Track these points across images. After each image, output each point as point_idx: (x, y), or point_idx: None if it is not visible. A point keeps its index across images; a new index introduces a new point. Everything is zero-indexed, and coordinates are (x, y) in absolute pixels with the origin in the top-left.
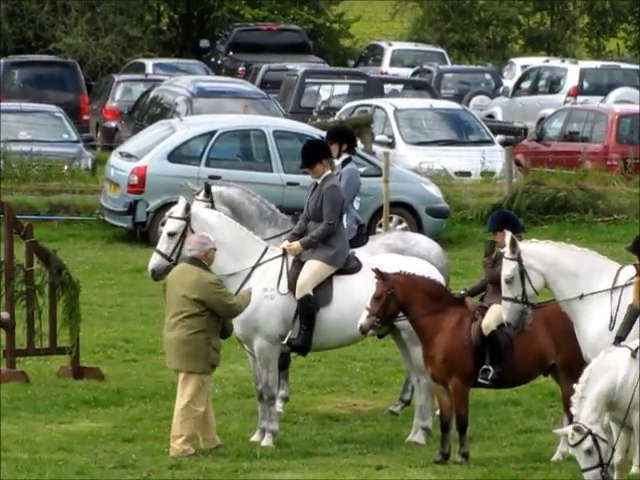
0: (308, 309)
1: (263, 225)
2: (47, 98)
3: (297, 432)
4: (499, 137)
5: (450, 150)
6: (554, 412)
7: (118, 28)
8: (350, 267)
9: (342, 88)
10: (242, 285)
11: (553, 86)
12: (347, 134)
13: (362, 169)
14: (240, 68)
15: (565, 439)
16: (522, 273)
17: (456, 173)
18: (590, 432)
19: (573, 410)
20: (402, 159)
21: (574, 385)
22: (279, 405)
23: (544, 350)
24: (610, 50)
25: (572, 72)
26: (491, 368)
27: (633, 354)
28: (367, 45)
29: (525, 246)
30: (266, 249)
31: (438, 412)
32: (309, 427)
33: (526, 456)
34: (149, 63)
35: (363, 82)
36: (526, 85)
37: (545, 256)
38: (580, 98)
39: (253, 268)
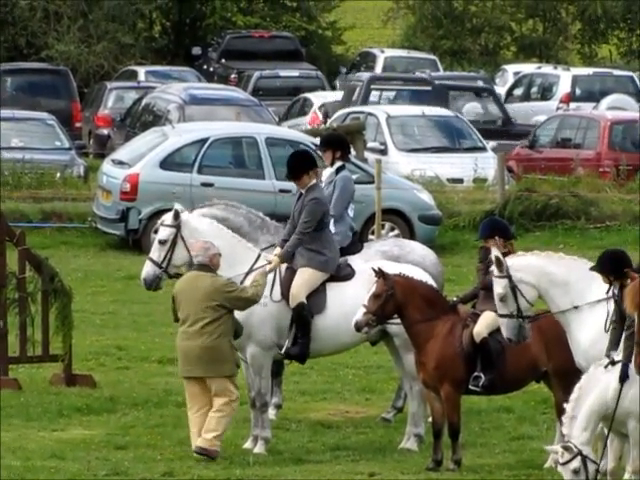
0: (303, 317)
1: (255, 234)
2: (39, 105)
3: (289, 439)
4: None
5: (442, 157)
6: (546, 419)
7: (110, 35)
8: (343, 274)
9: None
10: None
11: (545, 93)
12: (340, 141)
13: (354, 176)
14: (232, 75)
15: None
16: (514, 289)
17: (448, 180)
18: (580, 453)
19: (564, 430)
20: (394, 166)
21: (565, 405)
22: (272, 412)
23: (536, 357)
24: (602, 57)
25: (564, 79)
26: (482, 375)
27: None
28: (359, 52)
29: (512, 261)
30: (259, 256)
31: (430, 419)
32: (301, 434)
33: (519, 463)
34: (141, 70)
35: (428, 88)
36: (518, 92)
37: (534, 268)
38: (572, 105)
39: (246, 274)
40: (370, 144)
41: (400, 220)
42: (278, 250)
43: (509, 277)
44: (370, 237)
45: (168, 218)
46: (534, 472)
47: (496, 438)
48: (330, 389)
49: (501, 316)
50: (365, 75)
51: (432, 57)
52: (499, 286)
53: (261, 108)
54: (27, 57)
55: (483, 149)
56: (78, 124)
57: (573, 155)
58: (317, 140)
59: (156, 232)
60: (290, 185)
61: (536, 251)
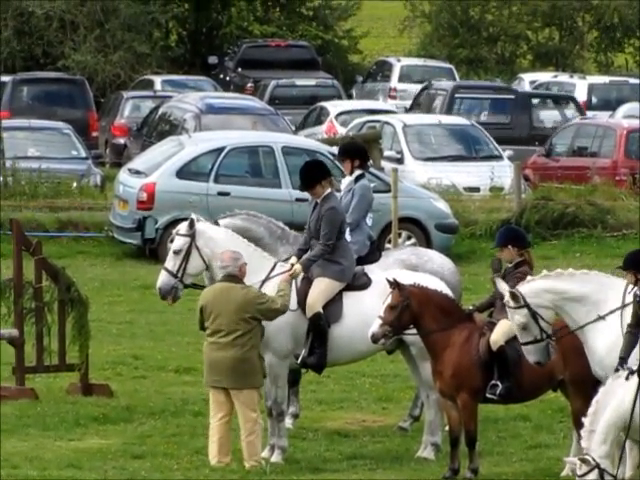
0: (320, 327)
1: (275, 245)
2: (56, 115)
3: (306, 448)
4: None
5: (459, 166)
6: (563, 427)
7: (126, 45)
8: (360, 283)
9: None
10: None
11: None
12: (359, 150)
13: (371, 185)
14: (248, 84)
15: (576, 454)
16: (534, 315)
17: (465, 189)
18: (598, 466)
19: (583, 443)
20: (411, 175)
21: (583, 419)
22: (289, 422)
23: (553, 365)
24: (618, 65)
25: (580, 87)
26: (499, 383)
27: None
28: (376, 61)
29: (525, 289)
30: (275, 264)
31: (447, 428)
32: (318, 443)
33: (536, 471)
34: (158, 80)
35: (511, 97)
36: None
37: (547, 290)
38: (589, 113)
39: (262, 283)
40: (387, 153)
41: (417, 229)
42: (294, 259)
43: (527, 305)
44: (387, 246)
45: (183, 227)
46: None
47: (513, 447)
48: (347, 398)
49: (525, 344)
50: (448, 84)
51: (448, 66)
52: (520, 316)
53: (277, 117)
54: (43, 67)
55: (499, 157)
56: (95, 133)
57: (589, 163)
58: (333, 149)
59: (172, 241)
60: (306, 194)
61: (544, 271)
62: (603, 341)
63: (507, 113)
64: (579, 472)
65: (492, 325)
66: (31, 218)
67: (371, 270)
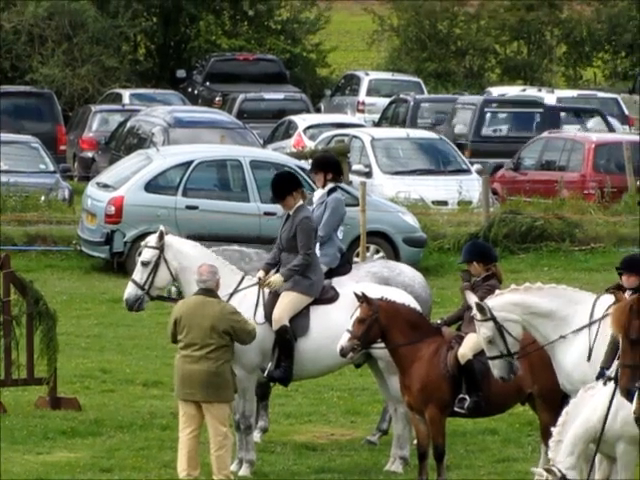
0: (286, 341)
1: (239, 266)
2: (24, 128)
3: (274, 462)
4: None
5: (427, 179)
6: (532, 441)
7: (95, 58)
8: (327, 297)
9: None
10: None
11: None
12: (332, 163)
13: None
14: (217, 98)
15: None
16: (500, 329)
17: (433, 202)
18: (564, 477)
19: (550, 454)
20: (379, 188)
21: (552, 428)
22: (257, 435)
23: (521, 379)
24: (587, 79)
25: (549, 101)
26: (467, 397)
27: (606, 381)
28: (344, 75)
29: (492, 302)
30: (242, 278)
31: (415, 441)
32: (286, 457)
33: None
34: (126, 93)
35: (540, 110)
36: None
37: (514, 304)
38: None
39: (230, 296)
40: (355, 166)
41: (385, 242)
42: (261, 273)
43: (494, 319)
44: (355, 259)
45: (152, 240)
46: None
47: (481, 460)
48: (315, 411)
49: (491, 358)
50: (478, 98)
51: (416, 79)
52: (485, 329)
53: (246, 131)
54: (12, 80)
55: (467, 171)
56: (63, 147)
57: (558, 177)
58: (302, 163)
59: (140, 254)
60: (275, 208)
61: (513, 285)
62: (571, 356)
63: (535, 127)
64: None
65: (460, 339)
66: None
67: (342, 282)
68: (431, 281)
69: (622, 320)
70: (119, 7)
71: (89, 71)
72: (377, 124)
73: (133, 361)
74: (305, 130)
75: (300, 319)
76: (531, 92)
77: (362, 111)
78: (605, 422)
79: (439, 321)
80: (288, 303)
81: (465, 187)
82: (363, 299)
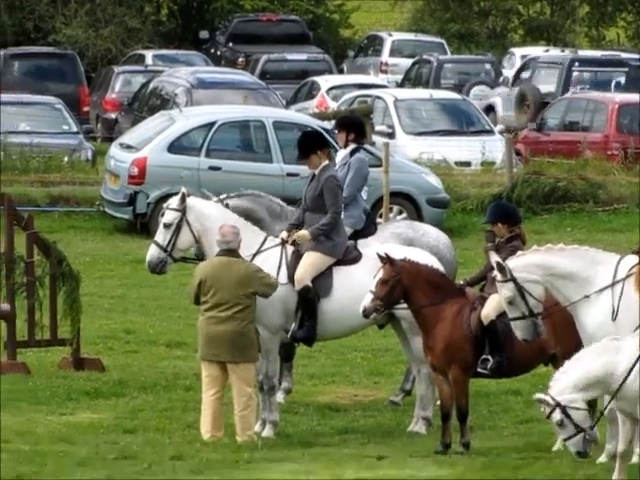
0: (309, 300)
1: (272, 226)
2: (47, 90)
3: (298, 423)
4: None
5: (450, 140)
6: None
7: (117, 19)
8: (350, 257)
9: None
10: None
11: None
12: (355, 123)
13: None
14: (240, 59)
15: None
16: (520, 290)
17: (456, 163)
18: (558, 404)
19: (551, 382)
20: (402, 149)
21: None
22: (280, 396)
23: (544, 340)
24: (610, 39)
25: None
26: (490, 358)
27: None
28: (367, 35)
29: (513, 263)
30: (265, 239)
31: (439, 402)
32: (310, 418)
33: (527, 446)
34: (149, 54)
35: (625, 70)
36: (526, 75)
37: (535, 265)
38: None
39: (253, 256)
40: (378, 127)
41: (408, 203)
42: (285, 234)
43: (514, 280)
44: (378, 220)
45: (174, 202)
46: (542, 455)
47: (504, 421)
48: (338, 372)
49: (513, 320)
50: (562, 56)
51: (440, 40)
52: (506, 290)
53: (269, 92)
54: (35, 41)
55: (491, 132)
56: (86, 108)
57: (581, 138)
58: (325, 123)
59: (162, 216)
60: (298, 169)
61: (535, 246)
62: (594, 316)
63: (620, 86)
64: (545, 414)
65: (483, 299)
66: (22, 193)
67: (367, 243)
68: (454, 242)
69: None
70: None
71: (112, 32)
72: (400, 85)
73: (156, 322)
74: (328, 91)
75: (323, 280)
76: (554, 53)
77: (385, 72)
78: (627, 377)
79: (462, 282)
80: (310, 263)
81: (488, 148)
82: (386, 260)
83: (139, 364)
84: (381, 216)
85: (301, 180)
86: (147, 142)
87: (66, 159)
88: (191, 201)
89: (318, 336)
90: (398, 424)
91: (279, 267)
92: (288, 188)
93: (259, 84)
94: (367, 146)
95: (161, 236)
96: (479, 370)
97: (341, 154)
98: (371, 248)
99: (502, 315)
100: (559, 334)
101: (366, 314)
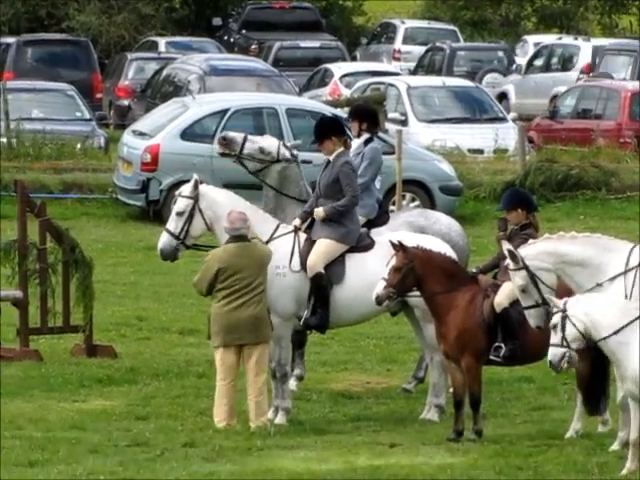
0: (322, 287)
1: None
2: (60, 76)
3: (310, 410)
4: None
5: (463, 128)
6: (567, 389)
7: (131, 6)
8: (363, 245)
9: None
10: None
11: (566, 63)
12: (368, 113)
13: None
14: (253, 46)
15: (579, 416)
16: (533, 278)
17: (469, 151)
18: (526, 268)
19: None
20: (415, 137)
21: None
22: (293, 384)
23: None
24: (623, 27)
25: (585, 49)
26: (503, 345)
27: None
28: (380, 23)
29: (525, 251)
30: (278, 226)
31: (451, 390)
32: (322, 405)
33: (540, 433)
34: (162, 41)
35: None
36: (539, 63)
37: (548, 253)
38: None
39: (266, 244)
40: (391, 115)
41: (421, 191)
42: (298, 221)
43: (526, 268)
44: (391, 208)
45: (186, 189)
46: (555, 442)
47: (517, 408)
48: (351, 360)
49: (526, 308)
50: (633, 43)
51: (453, 28)
52: (518, 278)
53: (281, 79)
54: (48, 28)
55: (504, 120)
56: (99, 95)
57: (594, 126)
58: (338, 111)
59: (175, 203)
60: (311, 156)
61: (547, 234)
62: None
63: None
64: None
65: (496, 287)
66: (35, 179)
67: (380, 232)
68: (467, 230)
69: None
70: None
71: (125, 19)
72: (413, 72)
73: (169, 309)
74: (341, 78)
75: (335, 267)
76: (567, 41)
77: (398, 59)
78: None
79: (475, 269)
80: (323, 251)
81: (501, 135)
82: (399, 247)
83: (151, 351)
84: (394, 204)
85: (314, 167)
86: (160, 129)
87: (79, 146)
88: (203, 188)
89: (331, 323)
90: (411, 412)
91: (292, 254)
92: None
93: (272, 71)
94: (380, 134)
95: (173, 224)
96: (492, 357)
97: (355, 143)
98: (383, 236)
99: (515, 303)
100: None
101: (379, 301)
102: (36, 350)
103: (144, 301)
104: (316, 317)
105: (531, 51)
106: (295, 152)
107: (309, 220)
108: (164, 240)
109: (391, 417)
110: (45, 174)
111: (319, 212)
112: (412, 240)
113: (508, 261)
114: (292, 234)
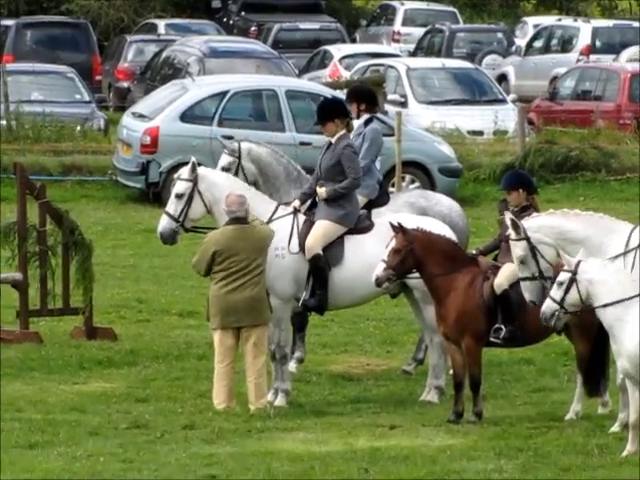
0: (320, 269)
1: (289, 186)
2: (59, 59)
3: (310, 392)
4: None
5: (463, 109)
6: (567, 371)
7: None
8: (362, 226)
9: None
10: None
11: (565, 45)
12: (365, 94)
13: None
14: (252, 28)
15: (579, 398)
16: (533, 250)
17: (469, 132)
18: (527, 239)
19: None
20: (414, 118)
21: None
22: (293, 366)
23: None
24: (622, 9)
25: (584, 31)
26: (503, 327)
27: None
28: (379, 5)
29: (528, 223)
30: (277, 207)
31: (451, 371)
32: (322, 387)
33: (539, 415)
34: (161, 23)
35: None
36: (538, 44)
37: (550, 227)
38: (592, 57)
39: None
40: (390, 96)
41: (420, 172)
42: (297, 203)
43: (527, 239)
44: (390, 189)
45: (185, 172)
46: (555, 424)
47: (517, 390)
48: (351, 341)
49: (523, 279)
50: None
51: (452, 9)
52: (518, 248)
53: (281, 61)
54: (47, 10)
55: (503, 101)
56: (98, 77)
57: (593, 107)
58: (337, 92)
59: (174, 186)
60: (310, 138)
61: (551, 210)
62: None
63: None
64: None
65: (496, 269)
66: (35, 162)
67: (380, 213)
68: (467, 211)
69: None
70: None
71: (124, 1)
72: (412, 54)
73: (169, 291)
74: (340, 60)
75: (334, 248)
76: (567, 22)
77: (397, 41)
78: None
79: (475, 251)
80: (321, 232)
81: (501, 117)
82: (399, 229)
83: (151, 333)
84: (393, 185)
85: (314, 149)
86: (159, 111)
87: (78, 128)
88: (202, 171)
89: (329, 305)
90: (410, 393)
91: (290, 236)
92: (300, 157)
93: (271, 53)
94: (380, 115)
95: (172, 206)
96: (492, 339)
97: (355, 124)
98: (384, 217)
99: (515, 284)
100: None
101: (378, 283)
102: (36, 332)
103: (144, 283)
104: (315, 299)
105: (531, 32)
106: (234, 143)
107: (309, 202)
108: (163, 223)
109: (391, 399)
110: (45, 156)
111: (321, 192)
112: (412, 222)
113: (510, 231)
114: (291, 215)
